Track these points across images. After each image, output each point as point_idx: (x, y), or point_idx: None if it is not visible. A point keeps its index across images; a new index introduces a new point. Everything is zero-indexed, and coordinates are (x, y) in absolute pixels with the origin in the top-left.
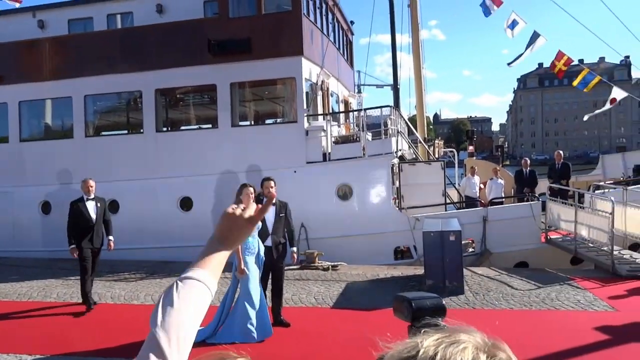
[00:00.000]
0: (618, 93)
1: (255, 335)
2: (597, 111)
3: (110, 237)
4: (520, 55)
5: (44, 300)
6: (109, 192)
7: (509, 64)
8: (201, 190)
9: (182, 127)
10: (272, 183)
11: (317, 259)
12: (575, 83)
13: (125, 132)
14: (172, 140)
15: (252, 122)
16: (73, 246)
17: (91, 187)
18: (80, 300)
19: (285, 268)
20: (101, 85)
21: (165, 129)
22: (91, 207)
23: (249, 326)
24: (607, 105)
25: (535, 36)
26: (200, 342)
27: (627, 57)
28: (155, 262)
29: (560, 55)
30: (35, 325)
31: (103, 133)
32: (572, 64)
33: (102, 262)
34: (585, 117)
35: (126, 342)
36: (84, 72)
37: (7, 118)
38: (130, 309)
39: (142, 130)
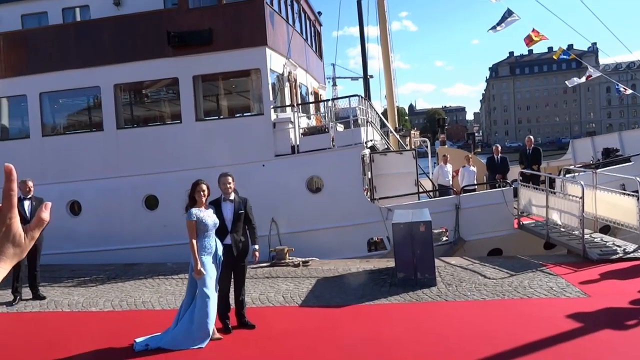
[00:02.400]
0: (593, 72)
1: (205, 342)
2: (578, 80)
3: None
4: (498, 24)
5: None
6: (69, 192)
7: (489, 29)
8: (167, 187)
9: (145, 123)
10: (230, 179)
11: (287, 255)
12: (556, 56)
13: (85, 130)
14: (134, 137)
15: (218, 116)
16: None
17: (30, 187)
18: (35, 309)
19: (255, 266)
20: (57, 82)
21: (127, 125)
22: (27, 205)
23: (202, 332)
24: (583, 79)
25: (508, 12)
26: (156, 349)
27: (594, 44)
28: (118, 265)
29: (535, 32)
30: None
31: (61, 132)
32: (542, 52)
33: (62, 267)
34: (568, 83)
35: (75, 353)
36: (39, 68)
37: None
38: (86, 317)
39: (102, 128)
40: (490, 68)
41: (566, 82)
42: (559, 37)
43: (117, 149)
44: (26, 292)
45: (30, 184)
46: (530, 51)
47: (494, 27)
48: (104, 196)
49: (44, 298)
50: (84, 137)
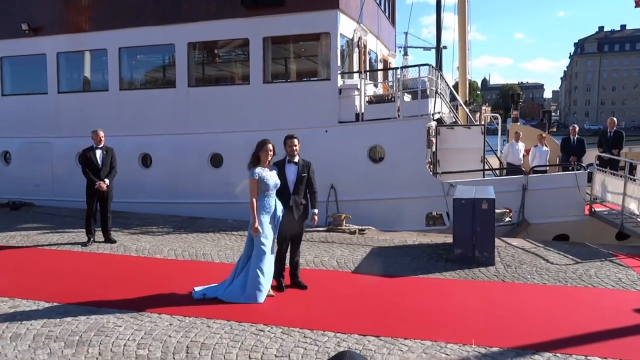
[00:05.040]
0: None
1: (260, 298)
2: None
3: (106, 180)
4: None
5: (71, 250)
6: (141, 145)
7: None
8: (232, 147)
9: (215, 83)
10: (296, 141)
11: (344, 222)
12: None
13: (159, 86)
14: (204, 96)
15: (286, 80)
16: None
17: (101, 137)
18: (106, 251)
19: (312, 230)
20: (136, 38)
21: (198, 84)
22: (99, 154)
23: (256, 289)
24: None
25: None
26: (213, 299)
27: None
28: (183, 218)
29: None
30: (55, 273)
31: (137, 86)
32: (636, 27)
33: (133, 215)
34: None
35: (138, 295)
36: (120, 24)
37: (46, 69)
38: (151, 263)
39: (175, 85)
40: (575, 43)
41: None
42: None
43: (188, 106)
44: (99, 236)
45: (102, 134)
46: (623, 27)
47: None
48: (173, 151)
49: (114, 242)
50: (157, 93)
